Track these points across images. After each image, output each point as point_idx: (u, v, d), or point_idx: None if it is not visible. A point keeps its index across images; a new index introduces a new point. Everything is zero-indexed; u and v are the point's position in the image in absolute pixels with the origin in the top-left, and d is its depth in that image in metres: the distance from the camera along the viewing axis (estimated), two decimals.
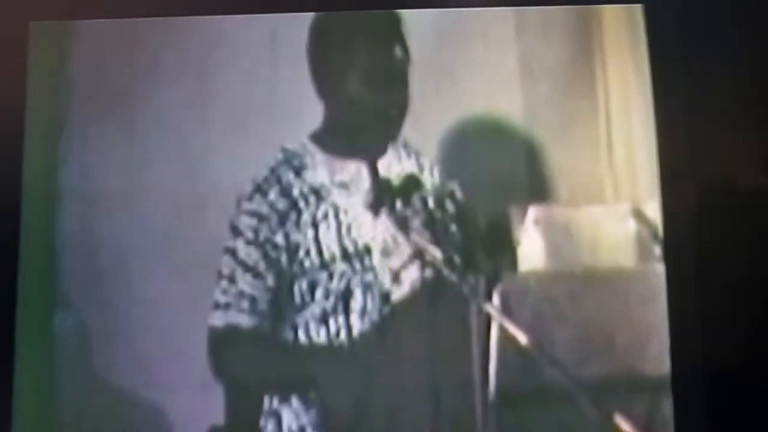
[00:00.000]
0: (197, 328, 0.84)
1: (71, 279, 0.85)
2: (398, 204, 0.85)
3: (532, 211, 0.83)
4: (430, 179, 0.85)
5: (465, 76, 0.87)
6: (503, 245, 0.83)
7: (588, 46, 0.87)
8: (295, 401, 0.83)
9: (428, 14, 0.88)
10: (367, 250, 0.84)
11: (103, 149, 0.87)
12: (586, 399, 0.80)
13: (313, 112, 0.87)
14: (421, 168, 0.86)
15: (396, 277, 0.84)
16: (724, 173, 0.84)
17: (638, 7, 0.86)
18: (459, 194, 0.85)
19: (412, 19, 0.87)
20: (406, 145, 0.86)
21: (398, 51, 0.87)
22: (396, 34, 0.87)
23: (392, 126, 0.86)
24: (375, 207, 0.85)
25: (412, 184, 0.85)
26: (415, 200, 0.85)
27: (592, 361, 0.81)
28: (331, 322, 0.83)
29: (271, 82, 0.87)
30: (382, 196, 0.85)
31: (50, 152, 0.87)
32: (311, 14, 0.88)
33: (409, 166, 0.86)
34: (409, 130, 0.86)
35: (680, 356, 0.80)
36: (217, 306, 0.84)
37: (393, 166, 0.86)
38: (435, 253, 0.84)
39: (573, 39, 0.87)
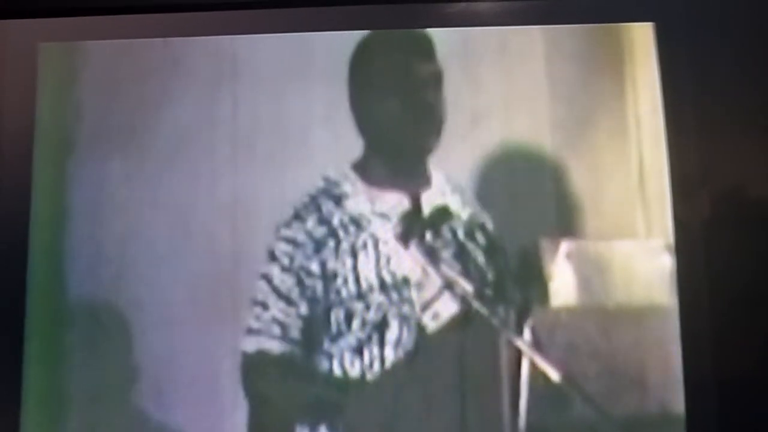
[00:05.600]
0: (212, 350, 0.83)
1: (79, 299, 0.84)
2: (428, 235, 0.84)
3: (565, 246, 0.83)
4: (462, 211, 0.85)
5: (490, 100, 0.86)
6: (534, 279, 0.83)
7: (618, 68, 0.86)
8: None
9: (450, 33, 0.87)
10: (405, 282, 0.83)
11: (112, 170, 0.87)
12: None
13: (320, 131, 0.86)
14: (464, 202, 0.85)
15: (426, 309, 0.83)
16: (737, 189, 0.84)
17: (649, 26, 0.86)
18: (490, 226, 0.84)
19: (439, 40, 0.87)
20: (449, 179, 0.85)
21: (430, 66, 0.87)
22: (429, 54, 0.87)
23: (427, 143, 0.86)
24: (404, 238, 0.84)
25: (442, 215, 0.85)
26: (445, 231, 0.84)
27: (624, 398, 0.80)
28: (366, 352, 0.82)
29: (279, 102, 0.87)
30: (412, 227, 0.85)
31: (59, 172, 0.87)
32: (317, 34, 0.87)
33: (452, 201, 0.85)
34: (434, 160, 0.86)
35: (693, 386, 0.80)
36: (249, 331, 0.84)
37: (435, 198, 0.85)
38: (465, 285, 0.83)
39: (600, 60, 0.86)
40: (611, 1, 0.88)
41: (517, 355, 0.82)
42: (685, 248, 0.82)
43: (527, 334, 0.82)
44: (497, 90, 0.86)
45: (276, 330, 0.84)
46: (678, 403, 0.80)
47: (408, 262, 0.84)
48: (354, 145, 0.86)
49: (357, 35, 0.88)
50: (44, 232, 0.85)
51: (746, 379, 0.81)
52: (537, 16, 0.87)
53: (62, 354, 0.84)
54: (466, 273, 0.83)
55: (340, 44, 0.88)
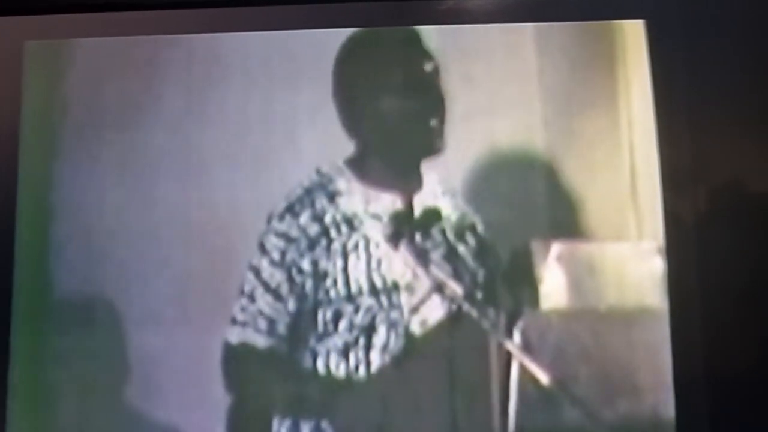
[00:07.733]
0: (201, 347, 0.83)
1: (66, 301, 0.84)
2: (417, 237, 0.83)
3: (555, 248, 0.82)
4: (452, 212, 0.84)
5: (480, 98, 0.85)
6: (525, 281, 0.82)
7: (610, 66, 0.85)
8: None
9: (440, 30, 0.86)
10: (395, 287, 0.82)
11: (98, 168, 0.86)
12: None
13: (308, 129, 0.86)
14: (454, 204, 0.84)
15: (415, 311, 0.82)
16: (729, 188, 0.83)
17: (641, 23, 0.85)
18: (480, 228, 0.83)
19: (427, 35, 0.87)
20: (441, 181, 0.84)
21: (425, 61, 0.86)
22: (418, 47, 0.86)
23: (433, 137, 0.85)
24: (394, 239, 0.84)
25: (431, 216, 0.84)
26: (435, 233, 0.84)
27: (615, 402, 0.80)
28: (352, 355, 0.81)
29: (266, 99, 0.86)
30: (402, 228, 0.84)
31: (45, 171, 0.86)
32: (306, 32, 0.87)
33: (443, 203, 0.84)
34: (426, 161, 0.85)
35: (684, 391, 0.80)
36: (234, 322, 0.83)
37: (427, 200, 0.84)
38: (455, 287, 0.82)
39: (592, 57, 0.86)
40: None
41: (507, 358, 0.81)
42: (676, 249, 0.82)
43: (517, 336, 0.81)
44: (487, 88, 0.85)
45: (262, 324, 0.83)
46: (669, 407, 0.79)
47: (399, 265, 0.83)
48: (344, 144, 0.85)
49: (344, 33, 0.87)
50: (30, 230, 0.85)
51: (737, 382, 0.80)
52: (528, 13, 0.87)
53: (49, 351, 0.83)
54: (456, 275, 0.83)
55: (327, 42, 0.87)
